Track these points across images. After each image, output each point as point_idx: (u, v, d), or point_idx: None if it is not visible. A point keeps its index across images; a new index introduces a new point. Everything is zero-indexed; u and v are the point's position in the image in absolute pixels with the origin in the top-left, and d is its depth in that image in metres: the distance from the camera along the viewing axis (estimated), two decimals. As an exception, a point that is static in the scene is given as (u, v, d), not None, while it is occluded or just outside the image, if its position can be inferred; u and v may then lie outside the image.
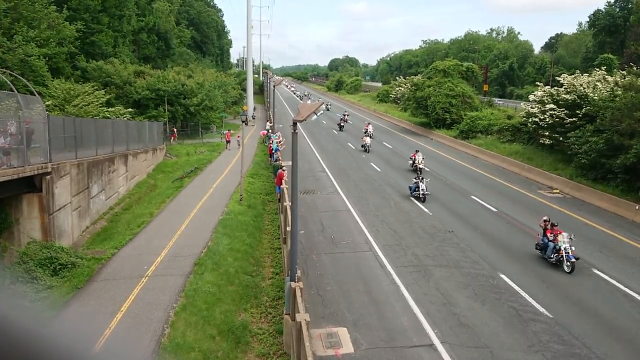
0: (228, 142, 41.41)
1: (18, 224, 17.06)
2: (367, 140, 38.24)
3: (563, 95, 30.77)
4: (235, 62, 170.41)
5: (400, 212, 21.80)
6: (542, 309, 12.61)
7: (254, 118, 59.15)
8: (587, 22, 78.96)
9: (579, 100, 29.84)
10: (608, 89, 28.85)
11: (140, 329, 11.00)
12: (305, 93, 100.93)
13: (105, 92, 36.72)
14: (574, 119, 29.32)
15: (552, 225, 15.79)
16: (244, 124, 28.22)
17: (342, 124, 52.10)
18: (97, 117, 30.42)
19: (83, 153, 21.70)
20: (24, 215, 17.11)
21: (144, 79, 44.88)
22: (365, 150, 37.31)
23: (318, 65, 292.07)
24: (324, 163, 33.49)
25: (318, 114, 11.66)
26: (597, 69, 32.26)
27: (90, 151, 22.73)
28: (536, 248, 16.26)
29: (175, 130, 45.38)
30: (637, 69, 27.02)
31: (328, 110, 68.08)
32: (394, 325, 11.81)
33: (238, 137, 37.07)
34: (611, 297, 13.55)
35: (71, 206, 19.67)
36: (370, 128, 44.02)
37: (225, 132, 43.38)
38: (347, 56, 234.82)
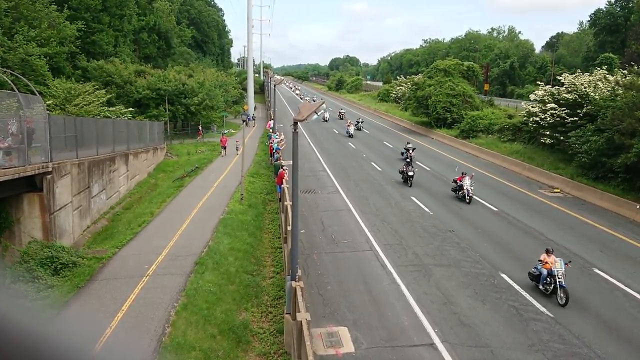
0: (224, 147, 36.94)
1: (19, 223, 17.08)
2: None
3: (564, 95, 30.73)
4: (236, 61, 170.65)
5: (400, 211, 21.79)
6: (542, 309, 12.61)
7: (254, 118, 58.44)
8: (588, 21, 78.74)
9: (579, 100, 29.81)
10: (609, 89, 28.83)
11: (141, 328, 11.01)
12: (315, 99, 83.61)
13: (106, 91, 36.75)
14: (575, 118, 29.29)
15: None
16: (244, 123, 28.18)
17: (409, 172, 26.33)
18: (98, 117, 30.43)
19: (84, 152, 21.72)
20: (24, 214, 17.13)
21: (145, 78, 44.91)
22: None
23: (319, 64, 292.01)
24: (325, 163, 33.48)
25: (318, 114, 11.66)
26: (598, 68, 32.23)
27: (91, 151, 22.74)
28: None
29: (200, 127, 46.22)
30: (638, 68, 26.96)
31: (359, 129, 49.86)
32: (395, 324, 11.81)
33: (237, 141, 35.61)
34: (611, 297, 13.55)
35: (72, 206, 19.69)
36: (468, 182, 23.39)
37: (221, 135, 38.91)
38: (348, 55, 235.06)
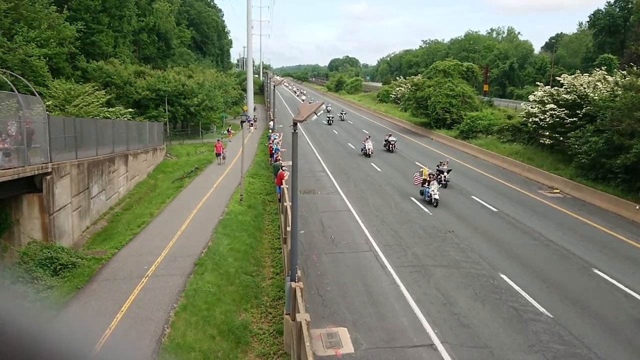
0: (218, 154, 33.48)
1: (18, 224, 17.06)
2: None
3: (563, 95, 30.77)
4: (236, 62, 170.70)
5: (400, 212, 21.79)
6: (542, 309, 12.61)
7: (255, 120, 57.47)
8: (587, 22, 78.93)
9: (579, 100, 29.84)
10: (608, 89, 28.87)
11: (141, 329, 11.00)
12: (342, 112, 64.09)
13: (105, 92, 36.71)
14: (574, 119, 29.32)
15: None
16: (242, 124, 28.07)
17: None
18: (98, 118, 30.41)
19: (83, 153, 21.70)
20: (24, 215, 17.11)
21: (144, 79, 44.89)
22: None
23: (318, 65, 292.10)
24: (324, 163, 33.48)
25: (318, 114, 11.66)
26: (597, 69, 32.25)
27: (91, 151, 22.73)
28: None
29: (230, 127, 46.57)
30: (637, 69, 27.00)
31: (445, 184, 25.96)
32: (394, 325, 11.81)
33: (223, 149, 33.76)
34: (611, 297, 13.55)
35: (71, 206, 19.67)
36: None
37: (216, 141, 34.95)
38: (347, 56, 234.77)
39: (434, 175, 24.43)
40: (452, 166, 28.49)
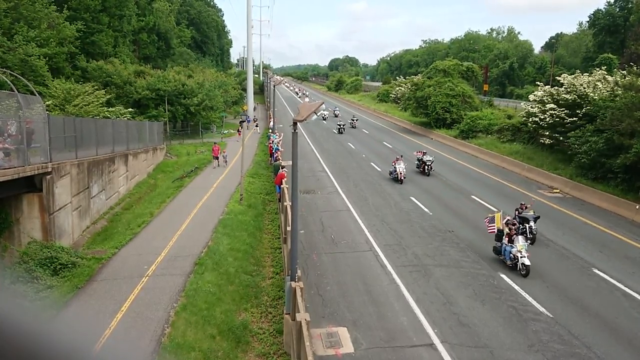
0: (216, 157, 32.79)
1: (18, 223, 17.06)
2: None
3: (563, 95, 30.78)
4: (236, 61, 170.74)
5: (400, 211, 21.80)
6: (542, 309, 12.62)
7: (256, 120, 57.00)
8: (587, 21, 78.92)
9: (579, 100, 29.85)
10: (608, 89, 28.89)
11: (141, 329, 11.01)
12: (353, 118, 55.74)
13: (105, 92, 36.68)
14: (574, 118, 29.33)
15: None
16: (242, 124, 27.89)
17: None
18: (97, 117, 30.40)
19: (83, 153, 21.70)
20: (24, 215, 17.11)
21: (144, 78, 44.88)
22: None
23: (318, 65, 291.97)
24: (324, 163, 33.47)
25: (318, 114, 11.66)
26: (597, 69, 32.27)
27: (91, 151, 22.73)
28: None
29: (240, 128, 45.91)
30: (637, 68, 27.00)
31: (532, 235, 17.63)
32: (394, 324, 11.81)
33: (224, 152, 33.16)
34: (611, 297, 13.56)
35: (71, 206, 19.67)
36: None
37: (214, 144, 34.20)
38: (347, 56, 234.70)
39: (514, 224, 16.29)
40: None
